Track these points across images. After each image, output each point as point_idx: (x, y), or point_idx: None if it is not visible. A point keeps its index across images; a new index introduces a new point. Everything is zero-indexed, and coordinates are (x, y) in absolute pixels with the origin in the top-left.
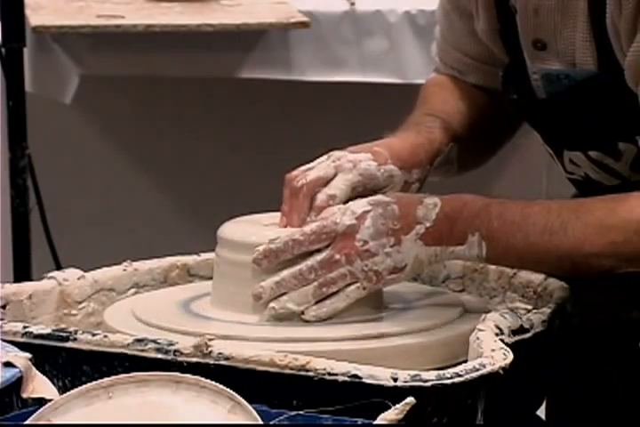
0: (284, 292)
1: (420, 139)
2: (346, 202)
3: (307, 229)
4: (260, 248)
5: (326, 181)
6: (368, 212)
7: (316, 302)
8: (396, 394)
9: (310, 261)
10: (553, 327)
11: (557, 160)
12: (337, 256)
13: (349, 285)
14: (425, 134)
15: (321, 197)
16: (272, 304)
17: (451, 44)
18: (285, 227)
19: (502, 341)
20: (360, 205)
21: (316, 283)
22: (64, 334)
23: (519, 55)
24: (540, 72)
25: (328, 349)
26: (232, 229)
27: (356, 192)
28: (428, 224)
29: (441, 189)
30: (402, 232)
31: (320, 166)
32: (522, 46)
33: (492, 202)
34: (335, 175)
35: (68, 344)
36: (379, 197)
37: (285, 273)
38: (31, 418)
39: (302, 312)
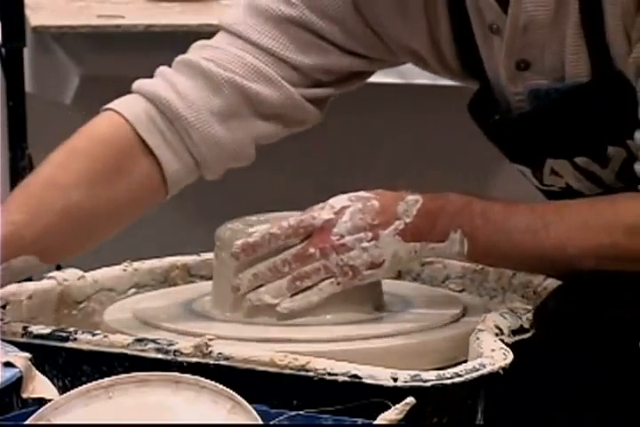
0: (261, 284)
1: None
2: None
3: (284, 223)
4: (239, 242)
5: None
6: (347, 207)
7: (292, 296)
8: (395, 394)
9: (285, 255)
10: (536, 324)
11: (533, 175)
12: (312, 250)
13: (325, 279)
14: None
15: None
16: (249, 296)
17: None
18: None
19: (502, 341)
20: (340, 200)
21: (290, 276)
22: (64, 334)
23: (486, 79)
24: (525, 91)
25: (328, 349)
26: (231, 230)
27: None
28: (407, 220)
29: (438, 189)
30: (380, 227)
31: None
32: (498, 68)
33: (474, 200)
34: None
35: (68, 344)
36: (360, 193)
37: (261, 266)
38: (31, 418)
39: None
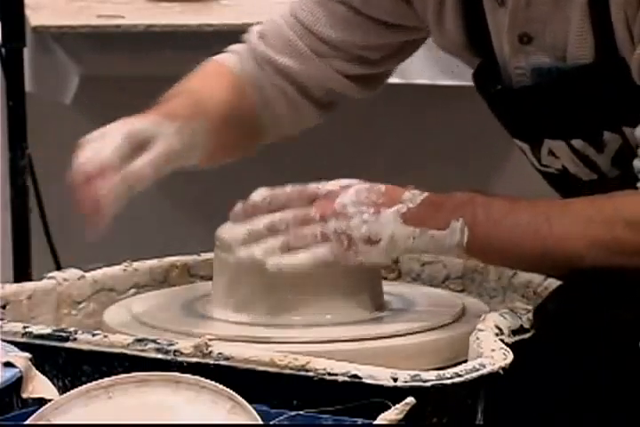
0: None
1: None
2: None
3: (288, 189)
4: (239, 204)
5: None
6: (353, 185)
7: None
8: (395, 394)
9: (285, 214)
10: (535, 325)
11: (532, 153)
12: (312, 213)
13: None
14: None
15: (93, 163)
16: (239, 252)
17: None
18: None
19: (502, 341)
20: (347, 180)
21: (284, 236)
22: (64, 334)
23: (491, 52)
24: (528, 67)
25: (328, 349)
26: (231, 231)
27: (131, 145)
28: (410, 205)
29: (438, 189)
30: (383, 206)
31: (85, 149)
32: (502, 41)
33: (478, 195)
34: None
35: (68, 344)
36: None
37: (257, 221)
38: (31, 418)
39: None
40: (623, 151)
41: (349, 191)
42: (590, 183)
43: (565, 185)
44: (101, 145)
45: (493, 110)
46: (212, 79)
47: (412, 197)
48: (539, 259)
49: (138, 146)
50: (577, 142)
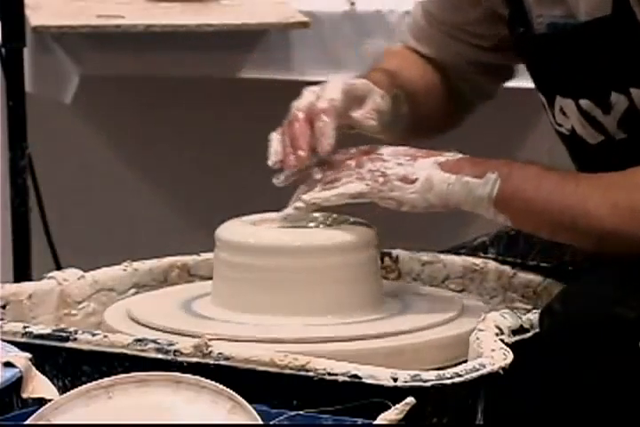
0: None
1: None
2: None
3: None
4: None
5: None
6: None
7: None
8: (395, 394)
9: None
10: (542, 326)
11: (549, 109)
12: (349, 162)
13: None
14: (370, 79)
15: (321, 103)
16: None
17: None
18: (287, 156)
19: (502, 341)
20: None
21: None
22: (64, 334)
23: (520, 3)
24: (545, 20)
25: (328, 349)
26: (230, 230)
27: (349, 98)
28: (450, 157)
29: None
30: (421, 156)
31: (305, 95)
32: None
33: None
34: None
35: (68, 344)
36: None
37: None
38: (31, 418)
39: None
40: (630, 113)
41: (389, 147)
42: (599, 147)
43: (576, 148)
44: (322, 93)
45: (520, 55)
46: (399, 58)
47: (453, 154)
48: (559, 216)
49: (352, 100)
50: (585, 103)
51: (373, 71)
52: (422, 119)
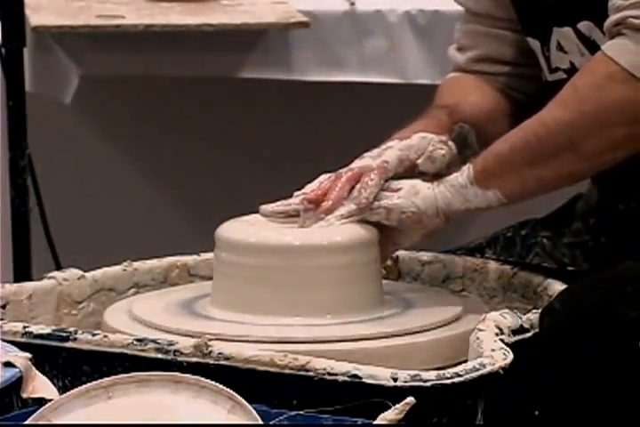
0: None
1: (429, 125)
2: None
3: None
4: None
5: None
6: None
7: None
8: (395, 394)
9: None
10: (542, 326)
11: (542, 54)
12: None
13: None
14: (431, 121)
15: (377, 162)
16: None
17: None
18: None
19: (502, 341)
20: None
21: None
22: (64, 334)
23: None
24: None
25: (328, 349)
26: (230, 230)
27: (404, 165)
28: None
29: None
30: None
31: (360, 161)
32: None
33: None
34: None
35: (68, 344)
36: None
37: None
38: (31, 418)
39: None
40: None
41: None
42: None
43: None
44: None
45: None
46: (454, 88)
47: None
48: (539, 147)
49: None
50: (584, 26)
51: (433, 110)
52: (493, 140)
